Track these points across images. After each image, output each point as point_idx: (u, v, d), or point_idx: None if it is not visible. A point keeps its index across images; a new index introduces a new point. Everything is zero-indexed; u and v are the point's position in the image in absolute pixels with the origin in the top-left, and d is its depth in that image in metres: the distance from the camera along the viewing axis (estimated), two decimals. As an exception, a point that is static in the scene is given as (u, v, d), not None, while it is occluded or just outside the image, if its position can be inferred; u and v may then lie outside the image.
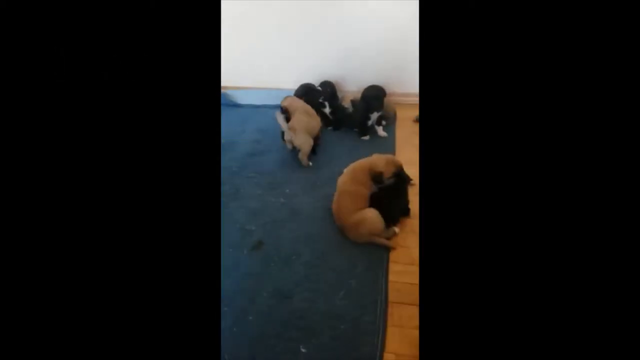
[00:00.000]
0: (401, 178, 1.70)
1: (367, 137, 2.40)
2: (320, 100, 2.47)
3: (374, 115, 2.37)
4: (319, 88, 2.53)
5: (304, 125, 2.16)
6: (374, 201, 1.67)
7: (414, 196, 1.83)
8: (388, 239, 1.63)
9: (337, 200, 1.69)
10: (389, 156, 1.72)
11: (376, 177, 1.65)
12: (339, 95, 2.71)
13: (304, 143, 2.14)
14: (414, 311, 1.35)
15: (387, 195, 1.68)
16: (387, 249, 1.59)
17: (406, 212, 1.77)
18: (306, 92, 2.46)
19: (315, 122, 2.26)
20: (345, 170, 1.74)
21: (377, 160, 1.68)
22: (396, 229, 1.66)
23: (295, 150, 2.18)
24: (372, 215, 1.60)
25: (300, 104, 2.27)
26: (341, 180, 1.71)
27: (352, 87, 2.81)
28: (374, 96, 2.30)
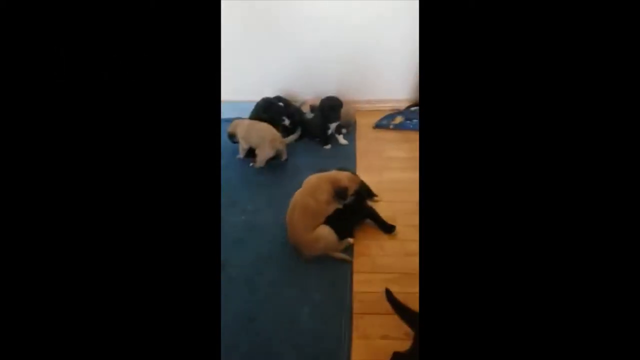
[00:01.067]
0: (361, 195, 1.71)
1: (328, 146, 2.41)
2: (283, 119, 2.46)
3: (333, 125, 2.38)
4: (281, 104, 2.50)
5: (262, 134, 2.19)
6: (336, 217, 1.65)
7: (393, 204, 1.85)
8: (344, 251, 1.62)
9: (290, 215, 1.63)
10: (349, 173, 1.72)
11: (341, 192, 1.63)
12: (297, 103, 2.71)
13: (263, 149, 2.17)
14: (379, 321, 1.35)
15: (349, 211, 1.69)
16: (350, 257, 1.60)
17: (390, 229, 1.74)
18: (266, 109, 2.44)
19: (272, 130, 2.25)
20: (303, 183, 1.71)
21: (340, 175, 1.68)
22: (350, 240, 1.66)
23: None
24: (327, 233, 1.59)
25: (247, 122, 2.30)
26: (298, 193, 1.67)
27: (310, 94, 2.82)
28: (330, 107, 2.31)
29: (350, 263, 1.58)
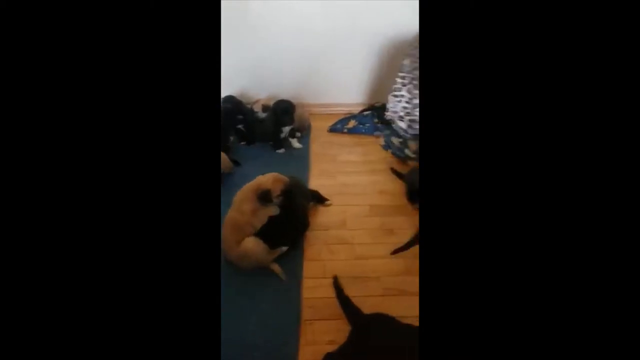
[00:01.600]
0: (290, 194, 1.66)
1: (282, 150, 2.38)
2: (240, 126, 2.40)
3: (286, 129, 2.36)
4: (240, 116, 2.42)
5: None
6: (269, 225, 1.60)
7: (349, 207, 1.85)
8: (290, 257, 1.59)
9: (222, 232, 1.58)
10: (275, 174, 1.66)
11: (264, 195, 1.57)
12: (249, 104, 2.64)
13: None
14: (327, 326, 1.35)
15: (282, 215, 1.64)
16: (300, 262, 1.58)
17: (305, 226, 1.75)
18: (227, 115, 2.36)
19: None
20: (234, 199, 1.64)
21: (262, 179, 1.63)
22: (283, 248, 1.60)
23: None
24: (252, 245, 1.51)
25: None
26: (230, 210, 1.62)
27: (263, 95, 2.78)
28: (283, 110, 2.29)
29: (283, 280, 1.52)
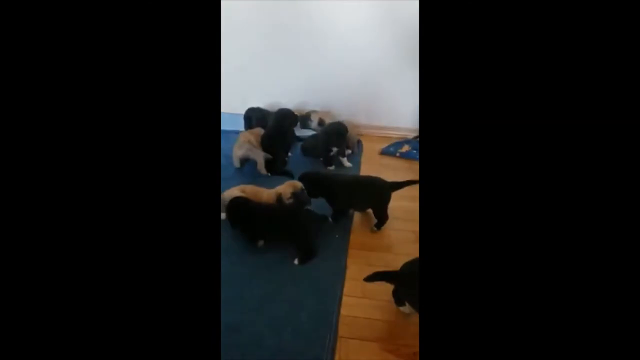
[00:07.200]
0: (300, 200, 1.85)
1: (332, 168, 2.45)
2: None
3: (335, 149, 2.44)
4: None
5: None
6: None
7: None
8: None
9: None
10: (292, 181, 1.95)
11: (278, 197, 1.86)
12: (310, 115, 2.80)
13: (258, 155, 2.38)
14: (362, 346, 1.35)
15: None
16: (341, 281, 1.60)
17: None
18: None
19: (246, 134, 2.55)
20: None
21: (280, 187, 1.91)
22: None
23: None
24: None
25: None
26: None
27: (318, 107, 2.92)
28: (336, 133, 2.38)
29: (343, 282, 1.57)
